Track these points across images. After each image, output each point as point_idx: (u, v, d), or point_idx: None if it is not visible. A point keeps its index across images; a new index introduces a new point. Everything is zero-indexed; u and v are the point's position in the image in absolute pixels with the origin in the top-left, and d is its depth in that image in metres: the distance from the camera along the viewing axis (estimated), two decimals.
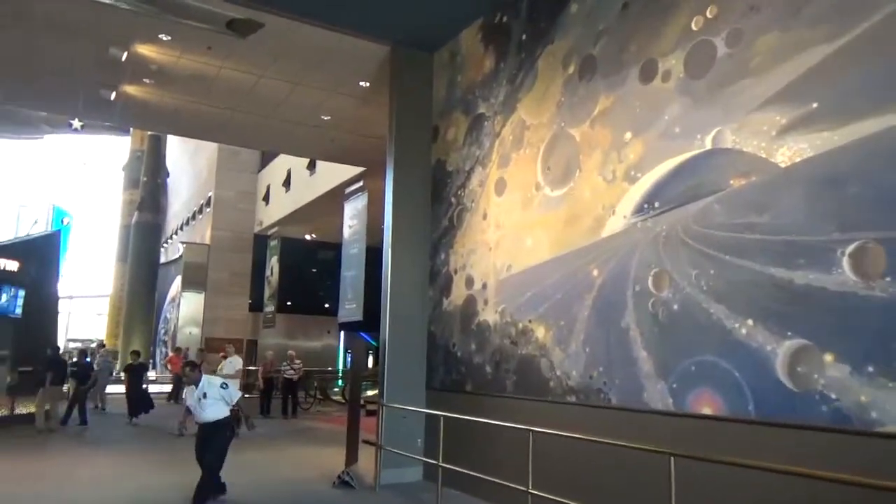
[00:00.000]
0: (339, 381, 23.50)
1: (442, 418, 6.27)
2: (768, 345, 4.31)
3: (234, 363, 11.84)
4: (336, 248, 24.51)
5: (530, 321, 6.53)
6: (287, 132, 12.33)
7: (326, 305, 28.53)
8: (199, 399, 6.50)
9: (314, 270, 26.63)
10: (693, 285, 4.88)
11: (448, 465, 6.16)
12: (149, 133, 27.26)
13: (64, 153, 37.55)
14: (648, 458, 4.45)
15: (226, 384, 6.69)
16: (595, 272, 5.81)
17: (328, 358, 29.22)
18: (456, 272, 7.89)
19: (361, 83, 9.94)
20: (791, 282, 4.21)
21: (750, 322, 4.44)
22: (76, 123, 33.52)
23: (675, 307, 5.01)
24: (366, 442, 7.61)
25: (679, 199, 5.10)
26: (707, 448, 4.41)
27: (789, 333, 4.19)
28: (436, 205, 8.46)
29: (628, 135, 5.66)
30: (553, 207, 6.44)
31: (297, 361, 16.33)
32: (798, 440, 4.09)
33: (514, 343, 6.71)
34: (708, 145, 4.94)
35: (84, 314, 39.06)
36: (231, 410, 6.72)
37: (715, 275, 4.72)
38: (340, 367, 31.07)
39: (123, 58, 9.09)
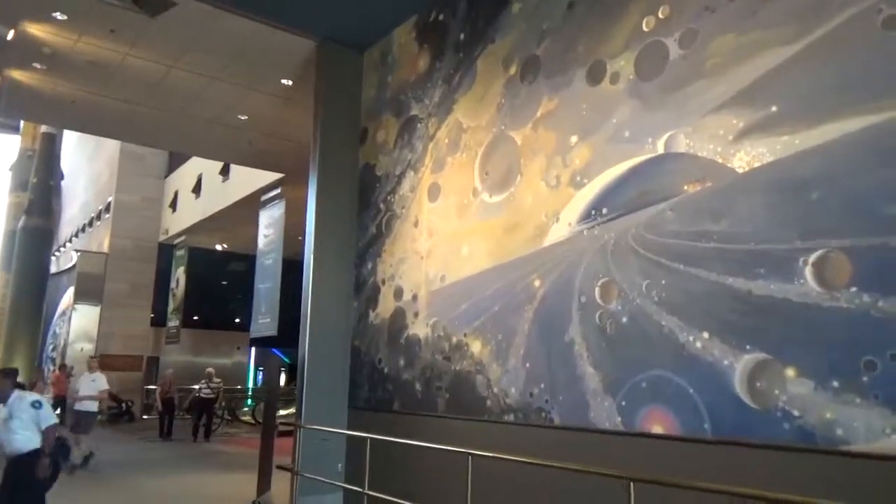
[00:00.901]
0: (249, 401, 22.26)
1: (368, 441, 5.71)
2: (725, 359, 4.07)
3: (98, 382, 10.39)
4: (249, 259, 23.40)
5: (465, 335, 6.11)
6: (199, 132, 11.45)
7: (237, 320, 27.10)
8: (5, 421, 5.03)
9: (224, 283, 25.24)
10: (644, 296, 4.61)
11: (374, 493, 5.59)
12: (42, 131, 25.10)
13: None
14: (601, 482, 4.09)
15: (39, 402, 5.22)
16: (537, 283, 5.46)
17: (238, 376, 27.72)
18: (384, 283, 7.38)
19: (283, 81, 9.31)
20: (750, 292, 4.00)
21: (705, 335, 4.20)
22: None
23: (624, 319, 4.72)
24: (280, 468, 6.91)
25: (629, 206, 4.84)
26: (660, 470, 4.11)
27: (748, 347, 3.97)
28: (363, 211, 7.94)
29: (574, 138, 5.38)
30: (492, 214, 6.07)
31: (217, 380, 15.35)
32: (759, 460, 3.85)
33: (448, 359, 6.27)
34: (660, 149, 4.71)
35: None
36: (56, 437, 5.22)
37: (667, 285, 4.47)
38: (251, 385, 29.62)
39: (9, 36, 8.05)
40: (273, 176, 15.03)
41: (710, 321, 4.19)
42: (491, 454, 4.64)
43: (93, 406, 10.27)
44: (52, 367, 23.58)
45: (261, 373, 32.81)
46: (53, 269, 25.85)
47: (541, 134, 5.72)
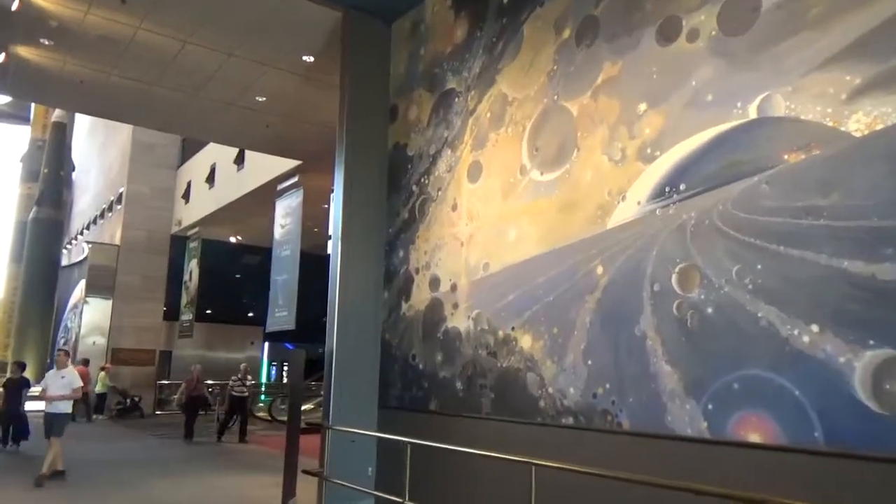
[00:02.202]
0: (263, 397, 21.78)
1: (409, 446, 5.12)
2: (841, 356, 3.44)
3: (70, 379, 8.78)
4: (263, 252, 22.84)
5: (513, 328, 5.50)
6: (215, 115, 10.88)
7: (251, 314, 26.63)
8: None
9: (238, 276, 24.73)
10: (734, 283, 3.98)
11: None
12: (52, 120, 24.67)
13: None
14: (687, 500, 3.48)
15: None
16: (599, 269, 4.85)
17: (252, 371, 27.23)
18: (417, 272, 6.79)
19: (305, 57, 8.71)
20: (873, 276, 3.37)
21: (814, 328, 3.57)
22: None
23: (709, 310, 4.10)
24: (307, 472, 6.34)
25: (712, 181, 4.21)
26: (760, 485, 3.51)
27: (871, 342, 3.34)
28: (393, 195, 7.34)
29: (643, 106, 4.75)
30: (543, 194, 5.46)
31: (251, 377, 14.29)
32: (886, 475, 3.23)
33: (493, 354, 5.66)
34: (752, 114, 4.07)
35: None
36: None
37: (764, 270, 3.84)
38: (264, 380, 29.14)
39: (14, 6, 7.50)
40: (289, 164, 14.48)
41: (821, 312, 3.56)
42: (560, 465, 4.03)
43: (65, 407, 8.85)
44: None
45: (274, 368, 32.45)
46: (64, 261, 25.48)
47: (602, 103, 5.09)
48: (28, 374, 12.73)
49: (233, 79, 9.37)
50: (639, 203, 4.66)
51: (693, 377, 4.15)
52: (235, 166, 17.07)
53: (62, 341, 23.57)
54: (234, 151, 17.06)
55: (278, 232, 14.56)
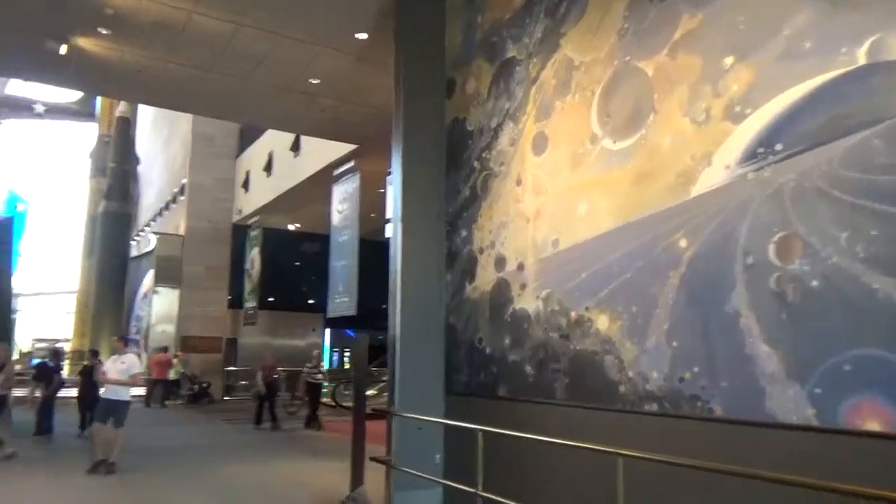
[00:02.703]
0: (325, 382, 22.01)
1: (480, 434, 4.86)
2: None
3: (129, 366, 8.45)
4: (321, 239, 22.94)
5: (587, 308, 5.15)
6: (269, 101, 10.82)
7: (311, 301, 26.97)
8: None
9: (297, 263, 25.04)
10: (843, 252, 3.53)
11: (491, 496, 4.74)
12: (116, 115, 25.42)
13: (26, 140, 35.32)
14: (796, 494, 3.10)
15: None
16: (683, 242, 4.44)
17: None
18: (482, 251, 6.50)
19: (358, 35, 8.48)
20: None
21: None
22: (38, 107, 31.57)
23: (814, 283, 3.66)
24: (375, 460, 6.19)
25: (815, 138, 3.74)
26: (875, 478, 3.09)
27: None
28: (453, 173, 7.05)
29: (729, 60, 4.29)
30: (616, 164, 5.06)
31: (323, 363, 14.24)
32: None
33: (566, 337, 5.33)
34: (860, 60, 3.58)
35: (52, 313, 36.95)
36: None
37: (880, 237, 3.38)
38: (326, 366, 29.56)
39: None
40: (345, 149, 14.40)
41: None
42: (652, 456, 3.69)
43: (125, 393, 8.45)
44: (135, 349, 24.08)
45: (335, 354, 32.88)
46: (133, 253, 26.35)
47: (681, 60, 4.65)
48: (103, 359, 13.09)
49: (286, 61, 9.23)
50: (727, 167, 4.22)
51: (796, 358, 3.72)
52: (292, 153, 17.12)
53: (134, 330, 24.44)
54: (290, 139, 17.11)
55: (336, 217, 14.53)
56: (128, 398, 8.43)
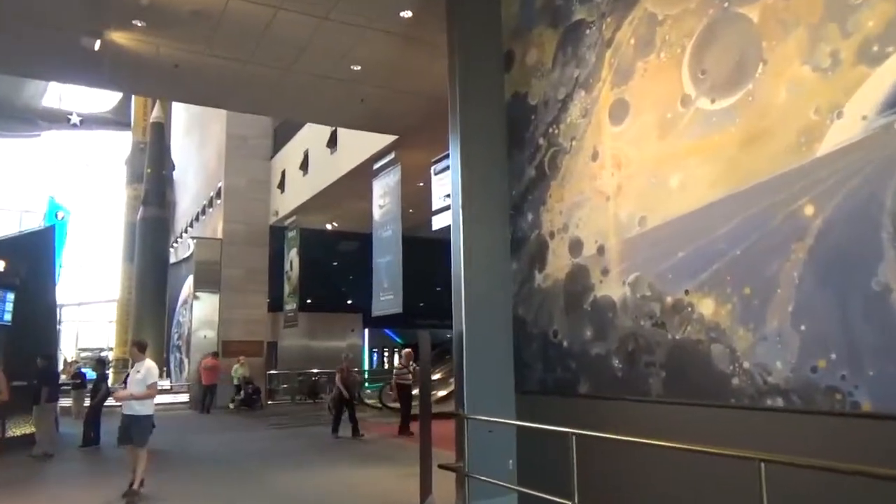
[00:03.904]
0: (366, 384, 21.68)
1: (573, 438, 4.29)
2: None
3: (145, 375, 7.29)
4: (359, 237, 22.59)
5: (687, 292, 4.54)
6: (309, 92, 10.38)
7: (349, 302, 26.64)
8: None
9: (335, 264, 24.70)
10: None
11: None
12: (151, 121, 25.42)
13: (63, 151, 35.71)
14: None
15: None
16: (809, 210, 3.81)
17: (354, 359, 27.32)
18: (552, 235, 5.92)
19: (403, 13, 7.96)
20: None
21: None
22: (74, 118, 31.88)
23: None
24: (444, 467, 5.66)
25: None
26: None
27: None
28: (515, 152, 6.49)
29: None
30: (717, 126, 4.44)
31: (413, 363, 12.65)
32: None
33: (661, 325, 4.73)
34: None
35: (95, 321, 37.38)
36: None
37: None
38: (366, 367, 29.22)
39: None
40: (383, 142, 13.91)
41: None
42: (808, 462, 3.08)
43: (142, 408, 7.21)
44: (178, 356, 24.01)
45: (375, 354, 32.56)
46: (173, 259, 26.32)
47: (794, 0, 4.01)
48: None
49: (327, 47, 8.76)
50: (864, 118, 3.58)
51: None
52: (328, 150, 16.71)
53: (176, 336, 24.38)
54: (326, 136, 16.72)
55: (377, 213, 14.04)
56: (147, 412, 7.29)
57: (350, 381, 12.93)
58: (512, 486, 5.54)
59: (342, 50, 8.87)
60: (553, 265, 5.88)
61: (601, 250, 5.35)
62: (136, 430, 7.18)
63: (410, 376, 12.16)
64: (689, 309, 4.52)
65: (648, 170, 4.95)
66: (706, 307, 4.40)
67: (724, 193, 4.34)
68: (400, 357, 12.81)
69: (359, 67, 9.43)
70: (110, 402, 11.44)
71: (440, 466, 5.66)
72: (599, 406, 5.24)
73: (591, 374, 5.38)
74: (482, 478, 5.44)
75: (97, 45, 8.35)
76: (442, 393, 15.48)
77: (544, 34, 6.19)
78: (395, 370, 13.26)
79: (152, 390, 7.30)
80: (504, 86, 6.69)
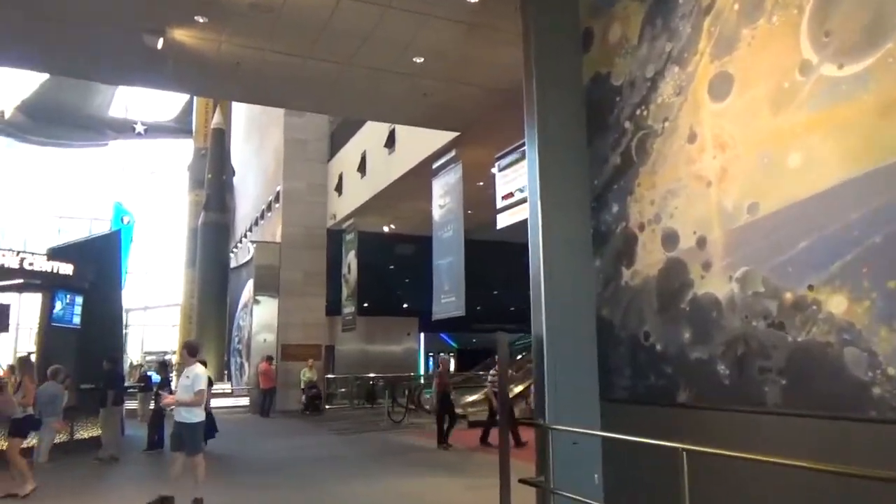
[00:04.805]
0: (426, 389, 21.30)
1: (684, 454, 3.76)
2: None
3: (193, 381, 6.94)
4: (417, 240, 22.29)
5: (811, 287, 3.95)
6: (369, 88, 10.09)
7: (405, 305, 26.40)
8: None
9: (392, 267, 24.48)
10: None
11: None
12: (212, 127, 25.83)
13: (130, 160, 36.88)
14: None
15: None
16: None
17: (410, 363, 27.07)
18: (642, 228, 5.38)
19: None
20: None
21: None
22: (139, 127, 32.82)
23: None
24: (526, 482, 5.18)
25: None
26: None
27: None
28: (596, 138, 5.97)
29: None
30: (846, 95, 3.84)
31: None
32: None
33: (778, 326, 4.14)
34: None
35: (159, 326, 38.36)
36: None
37: None
38: (422, 372, 28.91)
39: None
40: (442, 140, 13.56)
41: None
42: None
43: (190, 415, 6.89)
44: (238, 359, 24.24)
45: (430, 358, 32.26)
46: (233, 263, 26.68)
47: None
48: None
49: (389, 37, 8.44)
50: None
51: None
52: (386, 150, 16.48)
53: (236, 340, 24.63)
54: (384, 136, 16.49)
55: (437, 213, 13.67)
56: (196, 419, 6.94)
57: (446, 388, 12.17)
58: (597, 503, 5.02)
59: (405, 40, 8.53)
60: (643, 261, 5.34)
61: (701, 243, 4.78)
62: (186, 437, 6.90)
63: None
64: (815, 307, 3.92)
65: (759, 150, 4.37)
66: (837, 304, 3.80)
67: (859, 172, 3.74)
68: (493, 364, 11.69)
69: (421, 59, 9.07)
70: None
71: (521, 481, 5.18)
72: (701, 417, 4.68)
73: (690, 381, 4.81)
74: (568, 494, 4.96)
75: (160, 43, 8.25)
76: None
77: (629, 7, 5.66)
78: (489, 377, 12.27)
79: (200, 397, 6.88)
80: (582, 67, 6.19)
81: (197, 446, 7.00)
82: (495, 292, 25.86)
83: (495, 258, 20.79)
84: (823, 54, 3.99)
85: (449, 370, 12.35)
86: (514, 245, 21.90)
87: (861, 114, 3.75)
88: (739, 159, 4.53)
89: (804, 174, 4.05)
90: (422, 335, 29.35)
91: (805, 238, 4.01)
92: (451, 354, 34.18)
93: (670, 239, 5.07)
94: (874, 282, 3.61)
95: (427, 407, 16.89)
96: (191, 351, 7.40)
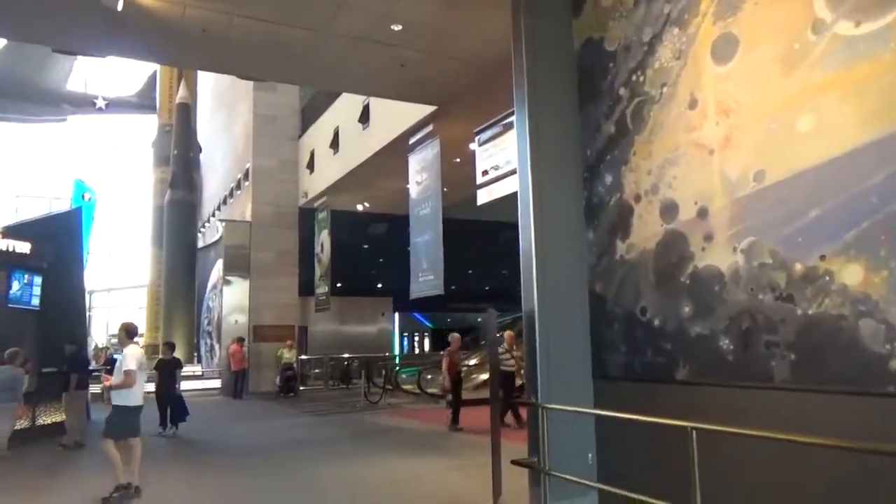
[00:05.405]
0: (400, 369, 21.10)
1: (693, 433, 3.57)
2: None
3: (124, 358, 6.62)
4: (389, 219, 21.98)
5: (823, 258, 3.77)
6: (344, 57, 9.64)
7: (379, 285, 26.11)
8: None
9: (366, 247, 24.12)
10: None
11: None
12: (177, 102, 24.95)
13: (90, 136, 35.65)
14: None
15: None
16: None
17: (385, 343, 26.85)
18: (638, 199, 5.16)
19: None
20: None
21: None
22: (100, 102, 31.60)
23: None
24: (518, 463, 4.98)
25: None
26: None
27: None
28: (589, 106, 5.71)
29: None
30: (863, 54, 3.63)
31: (516, 349, 10.63)
32: None
33: (787, 298, 3.96)
34: None
35: (126, 307, 37.41)
36: None
37: None
38: (397, 352, 28.72)
39: None
40: (419, 115, 13.20)
41: None
42: None
43: (118, 398, 6.56)
44: (208, 341, 23.70)
45: (405, 339, 32.08)
46: (201, 243, 25.98)
47: None
48: (177, 354, 12.41)
49: (367, 3, 8.03)
50: None
51: None
52: (360, 125, 16.03)
53: (206, 321, 24.06)
54: (357, 111, 16.04)
55: (414, 190, 13.34)
56: (127, 403, 6.56)
57: (458, 369, 11.48)
58: (598, 485, 4.85)
59: (383, 7, 8.14)
60: (639, 233, 5.13)
61: (703, 213, 4.58)
62: (119, 421, 6.55)
63: (512, 361, 10.06)
64: (827, 278, 3.75)
65: (767, 114, 4.15)
66: (851, 275, 3.63)
67: (877, 135, 3.55)
68: (508, 340, 10.96)
69: (399, 27, 8.68)
70: (149, 387, 11.02)
71: (513, 462, 4.98)
72: (703, 394, 4.50)
73: (690, 357, 4.63)
74: (563, 475, 4.78)
75: (120, 4, 7.71)
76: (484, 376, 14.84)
77: None
78: (500, 352, 11.64)
79: (129, 378, 6.41)
80: (573, 33, 5.91)
81: (130, 430, 6.62)
82: (469, 272, 25.72)
83: (470, 237, 20.58)
84: (839, 12, 3.77)
85: (459, 349, 11.70)
86: (489, 224, 21.83)
87: (879, 74, 3.55)
88: (744, 125, 4.31)
89: (817, 139, 3.85)
90: (396, 315, 29.15)
91: (816, 206, 3.82)
92: (426, 335, 34.10)
93: (669, 210, 4.86)
94: (893, 250, 3.44)
95: (429, 390, 16.07)
96: (129, 333, 6.98)
